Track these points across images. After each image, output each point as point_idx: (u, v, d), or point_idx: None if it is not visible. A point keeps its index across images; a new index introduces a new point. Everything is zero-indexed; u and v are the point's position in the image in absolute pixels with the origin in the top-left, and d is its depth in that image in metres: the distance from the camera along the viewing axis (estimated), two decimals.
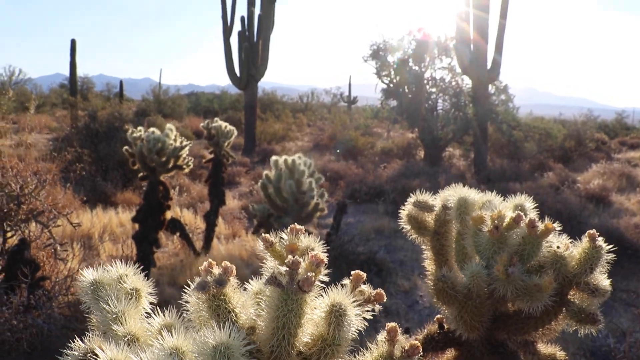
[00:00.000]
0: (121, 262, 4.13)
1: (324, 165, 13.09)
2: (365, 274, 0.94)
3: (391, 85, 17.25)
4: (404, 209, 1.42)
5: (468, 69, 15.60)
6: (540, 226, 1.12)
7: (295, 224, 0.89)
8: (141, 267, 3.79)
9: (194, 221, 8.15)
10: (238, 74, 19.16)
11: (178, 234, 5.91)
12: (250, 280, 0.95)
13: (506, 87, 18.12)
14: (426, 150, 16.61)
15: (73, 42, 23.85)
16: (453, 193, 1.31)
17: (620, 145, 23.53)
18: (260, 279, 0.94)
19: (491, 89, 16.97)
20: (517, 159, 15.55)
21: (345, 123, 19.31)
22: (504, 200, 1.27)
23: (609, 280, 1.19)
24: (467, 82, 17.11)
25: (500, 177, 12.81)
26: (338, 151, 17.02)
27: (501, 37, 15.47)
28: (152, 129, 4.34)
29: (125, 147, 4.54)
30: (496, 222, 1.12)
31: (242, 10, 22.75)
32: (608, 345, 4.73)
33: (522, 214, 1.13)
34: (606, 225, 7.62)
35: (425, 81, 17.15)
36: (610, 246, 1.14)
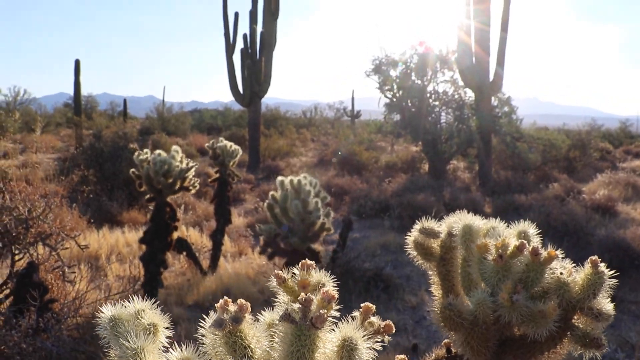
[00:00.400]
0: (129, 282, 4.18)
1: (329, 181, 13.14)
2: (374, 306, 0.97)
3: (394, 99, 17.34)
4: (410, 235, 1.46)
5: (470, 82, 15.68)
6: (544, 254, 1.15)
7: (307, 259, 0.92)
8: (149, 288, 3.83)
9: (200, 240, 8.18)
10: (241, 91, 19.29)
11: (185, 253, 5.95)
12: (262, 312, 0.98)
13: (509, 98, 18.17)
14: (430, 163, 16.63)
15: (77, 62, 24.11)
16: (458, 219, 1.35)
17: (625, 154, 23.50)
18: (272, 308, 0.97)
19: (494, 101, 17.02)
20: (522, 170, 15.55)
21: (349, 137, 19.38)
22: (508, 225, 1.30)
23: (617, 291, 1.21)
24: (469, 94, 17.19)
25: (505, 189, 12.82)
26: (340, 153, 17.03)
27: (503, 49, 15.57)
28: (158, 151, 4.40)
29: (132, 170, 4.59)
30: (500, 250, 1.15)
31: (244, 27, 22.98)
32: None
33: (525, 242, 1.16)
34: (613, 236, 7.60)
35: (428, 94, 17.23)
36: (618, 257, 1.16)
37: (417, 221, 4.01)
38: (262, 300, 5.40)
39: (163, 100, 39.58)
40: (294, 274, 0.92)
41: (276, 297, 0.94)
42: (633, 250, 7.12)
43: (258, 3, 19.54)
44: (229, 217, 6.28)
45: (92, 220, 8.33)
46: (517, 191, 11.94)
